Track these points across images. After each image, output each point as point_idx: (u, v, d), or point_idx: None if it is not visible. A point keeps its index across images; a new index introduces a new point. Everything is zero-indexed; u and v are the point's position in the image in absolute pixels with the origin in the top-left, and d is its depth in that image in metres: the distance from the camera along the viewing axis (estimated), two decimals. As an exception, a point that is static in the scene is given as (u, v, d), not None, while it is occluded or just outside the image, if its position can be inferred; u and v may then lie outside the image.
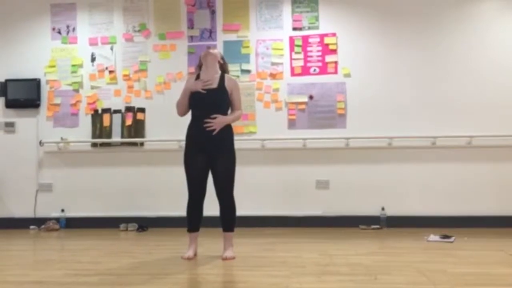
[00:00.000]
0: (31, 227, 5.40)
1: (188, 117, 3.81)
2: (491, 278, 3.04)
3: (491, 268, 3.31)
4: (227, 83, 3.77)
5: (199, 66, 3.87)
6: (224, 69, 3.87)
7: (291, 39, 5.38)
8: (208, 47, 3.99)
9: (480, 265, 3.41)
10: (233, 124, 3.84)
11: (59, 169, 5.53)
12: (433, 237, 4.41)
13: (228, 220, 3.76)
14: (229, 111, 3.81)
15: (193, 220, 3.79)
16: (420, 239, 4.40)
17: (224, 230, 3.79)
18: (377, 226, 5.08)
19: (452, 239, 4.34)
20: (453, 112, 5.17)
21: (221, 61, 3.87)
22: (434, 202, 5.14)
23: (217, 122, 3.65)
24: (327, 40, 5.33)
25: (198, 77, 3.81)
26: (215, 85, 3.73)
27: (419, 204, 5.15)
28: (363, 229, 5.05)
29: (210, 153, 3.69)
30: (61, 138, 5.51)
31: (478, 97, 5.16)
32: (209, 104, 3.68)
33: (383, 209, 5.15)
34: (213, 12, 5.46)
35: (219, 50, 3.99)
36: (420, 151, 5.20)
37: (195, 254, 3.80)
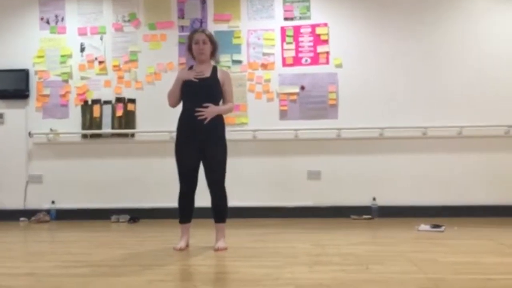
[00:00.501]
0: (21, 219, 5.36)
1: (179, 108, 3.79)
2: (482, 267, 3.06)
3: (481, 257, 3.33)
4: (219, 74, 3.76)
5: (189, 48, 3.78)
6: (214, 55, 3.80)
7: (283, 29, 5.35)
8: (196, 30, 3.81)
9: (470, 254, 3.44)
10: (224, 115, 3.82)
11: (49, 160, 5.49)
12: (424, 227, 4.44)
13: (220, 211, 3.75)
14: (221, 103, 3.79)
15: (185, 212, 3.78)
16: (411, 229, 4.43)
17: (215, 221, 3.78)
18: (369, 216, 5.11)
19: (442, 228, 4.37)
20: (444, 102, 5.20)
21: (212, 50, 3.77)
22: (425, 192, 5.17)
23: (208, 111, 3.62)
24: (318, 30, 5.32)
25: (191, 69, 3.78)
26: (207, 74, 3.72)
27: (410, 194, 5.18)
28: (354, 219, 5.08)
29: (201, 143, 3.67)
30: (51, 129, 5.46)
31: (469, 87, 5.19)
32: (201, 93, 3.65)
33: (374, 199, 5.18)
34: (203, 2, 5.42)
35: (214, 37, 3.84)
36: (411, 141, 5.22)
37: (187, 245, 3.79)
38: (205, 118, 3.62)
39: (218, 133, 3.71)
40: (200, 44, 3.70)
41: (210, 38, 3.76)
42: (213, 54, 3.81)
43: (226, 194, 3.74)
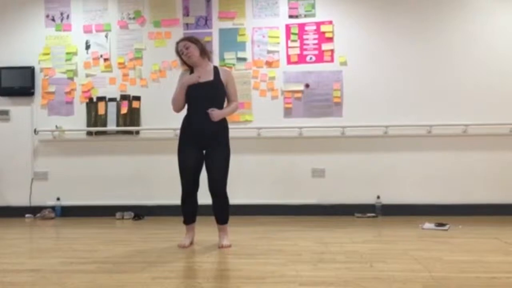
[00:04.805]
0: (27, 215, 5.39)
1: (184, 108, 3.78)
2: (486, 266, 3.06)
3: (485, 256, 3.33)
4: (222, 75, 3.72)
5: (183, 62, 3.75)
6: (205, 52, 3.73)
7: (287, 27, 5.35)
8: (178, 41, 3.79)
9: (474, 252, 3.44)
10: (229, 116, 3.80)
11: (54, 157, 5.51)
12: (428, 225, 4.44)
13: (221, 215, 3.74)
14: (225, 104, 3.78)
15: (189, 214, 3.77)
16: (415, 227, 4.42)
17: (218, 223, 3.78)
18: (373, 214, 5.10)
19: (446, 227, 4.37)
20: (449, 100, 5.18)
21: (200, 49, 3.69)
22: (429, 190, 5.16)
23: (214, 115, 3.60)
24: (323, 28, 5.30)
25: (192, 72, 3.73)
26: (211, 77, 3.69)
27: (414, 192, 5.17)
28: (358, 217, 5.07)
29: (204, 147, 3.67)
30: (56, 127, 5.48)
31: (474, 85, 5.16)
32: (205, 97, 3.63)
33: (378, 197, 5.17)
34: (208, 0, 5.42)
35: (194, 37, 3.81)
36: (415, 139, 5.21)
37: (192, 243, 3.81)
38: (211, 122, 3.59)
39: (222, 137, 3.69)
40: (184, 51, 3.67)
41: (190, 39, 3.72)
42: (203, 51, 3.72)
43: (227, 197, 3.71)
